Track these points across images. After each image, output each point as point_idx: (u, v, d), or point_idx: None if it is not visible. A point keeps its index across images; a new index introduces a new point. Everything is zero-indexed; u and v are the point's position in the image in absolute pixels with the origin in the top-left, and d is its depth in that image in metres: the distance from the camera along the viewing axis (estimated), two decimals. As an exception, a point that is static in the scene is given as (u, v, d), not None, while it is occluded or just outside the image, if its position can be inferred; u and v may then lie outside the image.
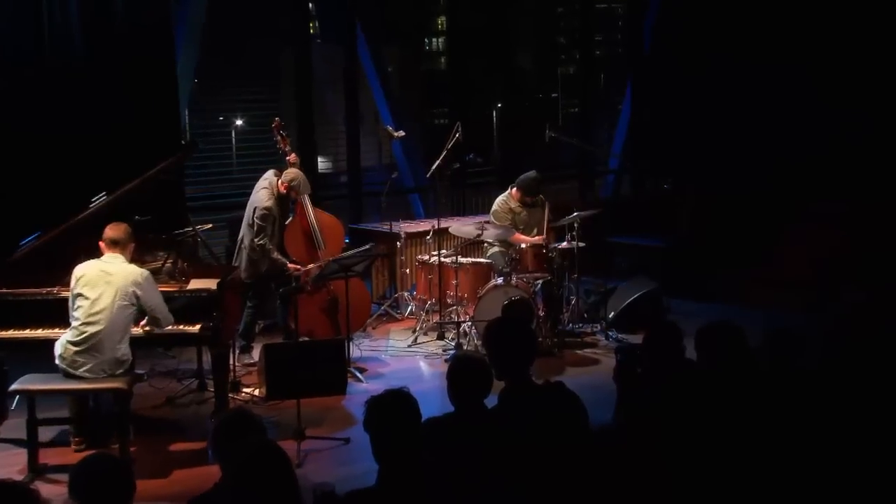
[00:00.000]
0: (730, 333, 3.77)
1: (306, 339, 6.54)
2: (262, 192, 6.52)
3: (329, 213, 7.18)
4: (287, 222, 6.74)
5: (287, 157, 6.69)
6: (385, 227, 8.09)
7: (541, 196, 7.49)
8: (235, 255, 6.63)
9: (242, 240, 6.57)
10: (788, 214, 9.07)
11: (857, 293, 7.51)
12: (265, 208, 6.42)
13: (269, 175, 6.61)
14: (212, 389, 5.66)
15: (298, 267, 6.55)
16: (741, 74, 9.81)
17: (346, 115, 9.62)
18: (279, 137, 6.72)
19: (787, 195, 9.22)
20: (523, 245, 6.99)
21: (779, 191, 9.33)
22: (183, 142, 7.86)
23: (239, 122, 9.92)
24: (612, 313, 7.43)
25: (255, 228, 6.42)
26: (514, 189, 7.36)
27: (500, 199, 7.44)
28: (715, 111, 10.04)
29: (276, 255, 6.50)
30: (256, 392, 5.95)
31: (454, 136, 7.27)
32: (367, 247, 6.77)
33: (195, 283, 5.43)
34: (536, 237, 7.25)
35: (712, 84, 10.04)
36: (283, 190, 6.51)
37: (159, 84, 7.37)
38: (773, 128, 9.64)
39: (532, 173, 7.33)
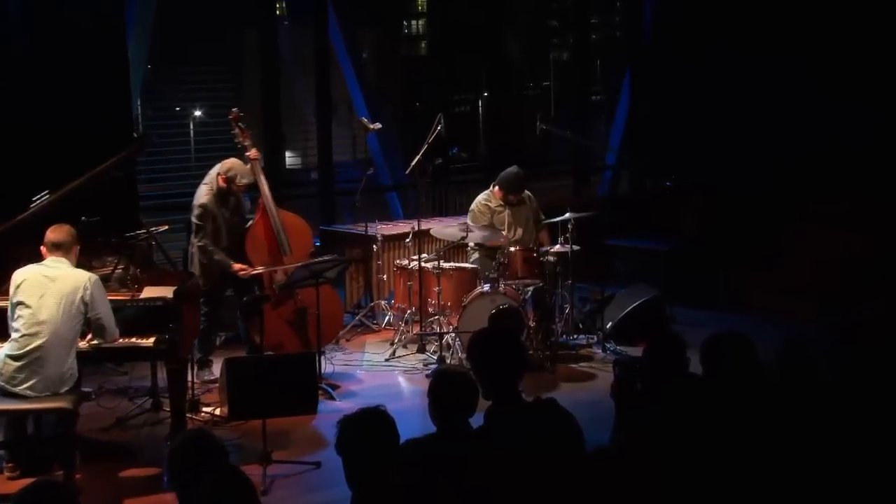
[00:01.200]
0: (738, 345, 3.78)
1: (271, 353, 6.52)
2: (201, 188, 6.53)
3: (296, 213, 7.15)
4: (248, 225, 6.71)
5: (247, 154, 6.65)
6: (360, 228, 8.08)
7: (527, 193, 7.52)
8: (189, 260, 6.60)
9: (192, 242, 6.56)
10: (801, 215, 9.14)
11: (877, 301, 7.57)
12: (200, 205, 6.42)
13: (214, 169, 6.59)
14: (167, 409, 5.62)
15: (245, 267, 6.50)
16: (749, 63, 9.88)
17: (316, 106, 9.61)
18: (238, 130, 6.68)
19: (800, 194, 9.28)
20: (512, 249, 7.00)
21: (791, 189, 9.40)
22: (135, 134, 7.81)
23: (198, 113, 9.88)
24: (610, 323, 7.46)
25: (194, 228, 6.42)
26: (496, 187, 7.39)
27: (480, 197, 7.48)
28: (722, 102, 10.09)
29: (218, 255, 6.45)
30: (217, 412, 5.92)
31: (436, 128, 7.28)
32: (340, 258, 6.76)
33: (149, 292, 5.41)
34: (519, 237, 7.29)
35: (719, 73, 10.11)
36: (221, 184, 6.47)
37: (108, 71, 7.32)
38: (785, 121, 9.71)
39: (513, 168, 7.37)
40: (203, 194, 6.46)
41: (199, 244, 6.40)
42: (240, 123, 6.69)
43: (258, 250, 6.65)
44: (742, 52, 9.88)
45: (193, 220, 6.43)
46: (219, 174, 6.47)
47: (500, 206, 7.39)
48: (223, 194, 6.49)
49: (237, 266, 6.49)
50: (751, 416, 3.57)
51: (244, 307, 6.50)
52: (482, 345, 3.58)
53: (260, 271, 6.52)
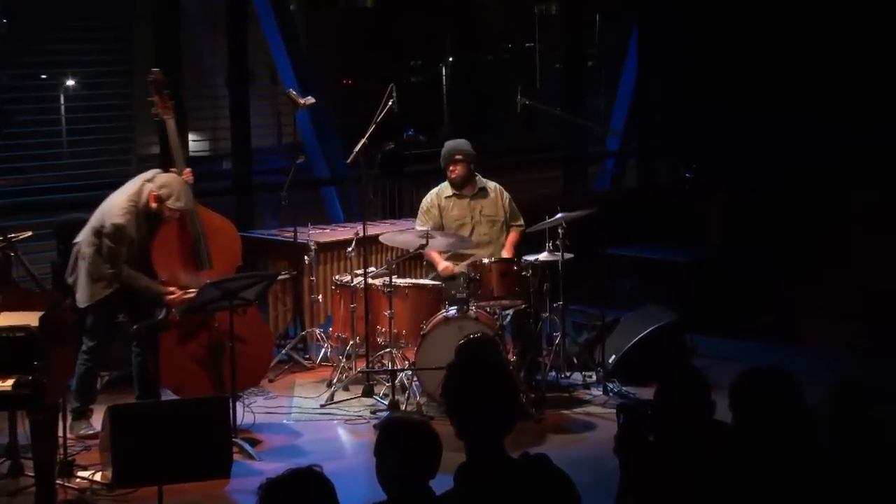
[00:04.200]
0: (778, 385, 3.82)
1: (173, 397, 6.49)
2: (120, 200, 6.46)
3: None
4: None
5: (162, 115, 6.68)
6: (287, 234, 8.07)
7: (496, 186, 7.59)
8: (70, 267, 6.55)
9: (80, 248, 6.50)
10: (864, 216, 9.22)
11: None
12: (115, 225, 6.36)
13: (146, 176, 6.56)
14: (31, 473, 5.58)
15: (175, 291, 6.46)
16: (787, 21, 10.00)
17: (229, 74, 9.58)
18: (157, 98, 6.69)
19: (861, 189, 9.37)
20: (485, 261, 7.03)
21: (850, 183, 9.48)
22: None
23: (70, 83, 9.83)
24: (613, 357, 7.51)
25: (106, 252, 6.35)
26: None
27: (434, 189, 7.62)
28: (760, 68, 10.19)
29: (144, 281, 6.43)
30: (98, 476, 5.89)
31: (386, 104, 7.31)
32: (262, 273, 6.75)
33: (6, 319, 5.36)
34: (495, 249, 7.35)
35: (752, 30, 10.22)
36: (152, 204, 6.46)
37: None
38: (837, 93, 9.82)
39: (458, 141, 7.54)
40: (122, 210, 6.39)
41: (111, 271, 6.35)
42: (163, 90, 6.70)
43: (166, 261, 6.62)
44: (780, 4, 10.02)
45: (106, 241, 6.35)
46: (151, 190, 6.43)
47: (453, 199, 7.49)
48: (148, 215, 6.48)
49: (169, 289, 6.44)
50: (793, 477, 3.62)
51: (138, 336, 6.46)
52: (464, 377, 3.55)
53: (193, 294, 6.43)
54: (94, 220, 6.50)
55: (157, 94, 6.70)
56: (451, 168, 7.49)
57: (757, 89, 10.24)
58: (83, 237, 6.51)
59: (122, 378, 7.11)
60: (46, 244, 7.77)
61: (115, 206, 6.42)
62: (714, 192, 10.25)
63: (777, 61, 10.10)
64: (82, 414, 6.59)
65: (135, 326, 6.41)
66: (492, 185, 7.63)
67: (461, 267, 7.23)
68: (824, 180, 9.64)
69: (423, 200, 7.65)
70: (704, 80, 10.66)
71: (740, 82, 10.34)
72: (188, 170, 6.73)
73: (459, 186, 7.52)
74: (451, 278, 7.25)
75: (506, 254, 7.37)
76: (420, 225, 7.54)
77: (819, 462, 3.71)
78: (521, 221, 7.62)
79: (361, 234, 7.43)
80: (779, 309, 8.66)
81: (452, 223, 7.48)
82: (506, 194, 7.66)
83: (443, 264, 7.39)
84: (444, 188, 7.58)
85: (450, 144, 7.59)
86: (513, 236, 7.57)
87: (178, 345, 6.58)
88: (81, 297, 6.44)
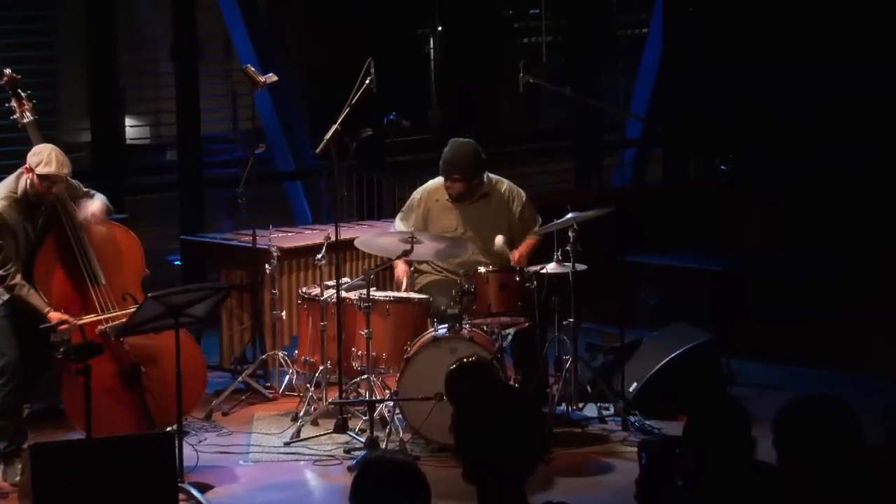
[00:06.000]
0: (831, 418, 3.83)
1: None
2: (2, 184, 6.58)
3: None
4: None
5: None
6: (244, 238, 8.07)
7: (510, 187, 7.59)
8: None
9: None
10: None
11: None
12: None
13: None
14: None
15: (67, 318, 6.45)
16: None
17: (173, 46, 9.58)
18: (15, 102, 6.77)
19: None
20: (481, 269, 7.02)
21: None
22: None
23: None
24: (634, 385, 7.52)
25: None
26: None
27: (430, 183, 7.60)
28: (812, 40, 10.20)
29: (34, 297, 6.45)
30: (18, 528, 5.89)
31: (363, 82, 7.31)
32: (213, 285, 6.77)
33: None
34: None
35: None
36: (37, 186, 6.50)
37: None
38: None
39: (458, 140, 7.44)
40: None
41: (2, 274, 6.40)
42: (18, 90, 6.75)
43: (49, 280, 6.62)
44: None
45: None
46: (26, 167, 6.51)
47: (446, 199, 7.50)
48: (36, 197, 6.52)
49: (56, 316, 6.44)
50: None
51: (62, 361, 6.47)
52: (484, 403, 3.53)
53: (91, 320, 6.45)
54: None
55: (13, 96, 6.76)
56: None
57: (809, 64, 10.24)
58: None
59: (47, 410, 7.10)
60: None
61: None
62: (755, 188, 10.25)
63: (834, 27, 10.12)
64: (11, 457, 6.56)
65: (61, 349, 6.41)
66: (503, 186, 7.58)
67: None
68: (886, 179, 9.67)
69: (413, 194, 7.65)
70: (743, 55, 10.67)
71: (786, 55, 10.35)
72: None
73: (457, 200, 7.48)
74: (441, 288, 7.25)
75: (515, 256, 7.33)
76: (400, 223, 7.53)
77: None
78: (537, 227, 7.52)
79: (333, 239, 7.43)
80: (831, 328, 8.66)
81: (437, 228, 7.46)
82: (519, 199, 7.56)
83: (398, 269, 7.40)
84: (441, 187, 7.54)
85: (447, 156, 7.41)
86: (528, 242, 7.51)
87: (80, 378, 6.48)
88: None
